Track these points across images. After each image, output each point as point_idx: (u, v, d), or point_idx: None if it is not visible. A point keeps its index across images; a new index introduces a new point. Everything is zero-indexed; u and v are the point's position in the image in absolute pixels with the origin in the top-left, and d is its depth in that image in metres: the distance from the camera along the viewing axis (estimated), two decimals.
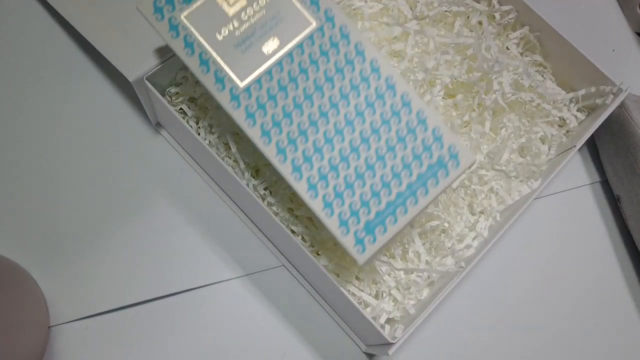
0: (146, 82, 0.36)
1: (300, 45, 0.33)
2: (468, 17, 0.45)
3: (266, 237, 0.41)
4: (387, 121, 0.33)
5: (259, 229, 0.41)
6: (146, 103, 0.39)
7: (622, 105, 0.44)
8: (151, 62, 0.37)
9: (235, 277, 0.40)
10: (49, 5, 0.42)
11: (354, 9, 0.43)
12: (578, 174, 0.48)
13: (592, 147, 0.49)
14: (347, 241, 0.31)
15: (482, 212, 0.42)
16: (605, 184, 0.48)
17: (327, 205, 0.32)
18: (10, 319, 0.33)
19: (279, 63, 0.33)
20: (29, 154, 0.41)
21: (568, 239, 0.46)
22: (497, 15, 0.45)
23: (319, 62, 0.33)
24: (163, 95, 0.40)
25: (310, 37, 0.33)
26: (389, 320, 0.38)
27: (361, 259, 0.31)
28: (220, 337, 0.39)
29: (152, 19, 0.32)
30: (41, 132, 0.42)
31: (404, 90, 0.33)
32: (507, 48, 0.46)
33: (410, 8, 0.44)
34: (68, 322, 0.38)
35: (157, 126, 0.43)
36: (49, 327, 0.38)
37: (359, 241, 0.31)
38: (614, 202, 0.48)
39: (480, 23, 0.45)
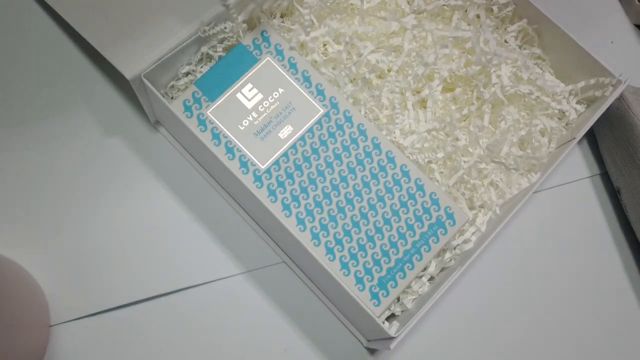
0: (144, 79, 0.36)
1: (311, 130, 0.38)
2: (466, 11, 0.45)
3: (267, 233, 0.41)
4: (390, 189, 0.37)
5: (260, 226, 0.41)
6: (144, 101, 0.39)
7: (621, 97, 0.44)
8: (149, 60, 0.36)
9: (236, 273, 0.40)
10: (46, 4, 0.42)
11: (351, 4, 0.43)
12: (578, 166, 0.48)
13: (592, 139, 0.49)
14: (364, 296, 0.35)
15: (482, 206, 0.42)
16: (605, 176, 0.48)
17: (344, 266, 0.36)
18: (11, 318, 0.33)
19: (293, 146, 0.38)
20: (27, 153, 0.41)
21: (568, 232, 0.46)
22: (495, 9, 0.45)
23: (328, 143, 0.38)
24: (161, 93, 0.40)
25: (319, 122, 0.38)
26: (390, 315, 0.38)
27: (377, 311, 0.35)
28: (222, 334, 0.39)
29: (183, 117, 0.37)
30: (40, 131, 0.42)
31: (403, 162, 0.38)
32: (506, 41, 0.46)
33: (408, 2, 0.44)
34: (69, 320, 0.38)
35: (156, 124, 0.43)
36: (50, 326, 0.38)
37: (374, 295, 0.36)
38: (614, 195, 0.48)
39: (478, 16, 0.45)
